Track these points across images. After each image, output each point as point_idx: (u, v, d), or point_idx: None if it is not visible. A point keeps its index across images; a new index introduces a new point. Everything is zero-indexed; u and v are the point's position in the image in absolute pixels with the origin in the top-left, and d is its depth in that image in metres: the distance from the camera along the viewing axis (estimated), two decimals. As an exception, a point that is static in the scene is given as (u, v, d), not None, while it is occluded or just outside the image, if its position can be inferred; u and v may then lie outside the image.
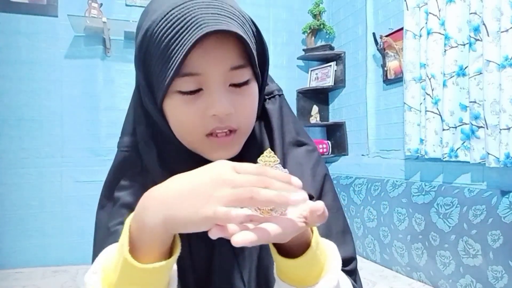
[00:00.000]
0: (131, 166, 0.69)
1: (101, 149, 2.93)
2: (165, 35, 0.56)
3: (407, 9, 2.31)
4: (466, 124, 1.99)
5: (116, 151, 0.72)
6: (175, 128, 0.63)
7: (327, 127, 3.48)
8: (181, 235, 0.51)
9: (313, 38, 3.44)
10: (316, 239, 0.53)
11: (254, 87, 0.64)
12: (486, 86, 1.78)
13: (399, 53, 2.54)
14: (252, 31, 0.62)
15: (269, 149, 0.51)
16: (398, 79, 2.59)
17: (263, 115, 0.73)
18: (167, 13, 0.56)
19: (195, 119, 0.60)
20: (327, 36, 3.47)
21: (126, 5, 3.01)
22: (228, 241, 0.42)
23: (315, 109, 3.41)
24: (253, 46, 0.61)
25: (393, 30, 2.62)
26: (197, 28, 0.54)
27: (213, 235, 0.43)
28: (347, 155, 3.20)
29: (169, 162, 0.67)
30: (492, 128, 1.76)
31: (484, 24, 1.80)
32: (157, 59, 0.58)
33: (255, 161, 0.55)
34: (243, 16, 0.60)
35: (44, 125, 2.81)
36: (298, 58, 3.44)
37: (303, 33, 3.45)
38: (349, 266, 0.67)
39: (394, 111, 2.67)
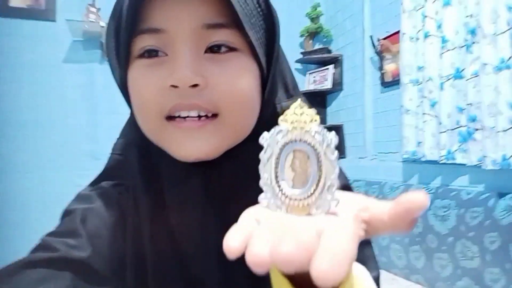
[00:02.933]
0: (116, 172, 0.58)
1: (101, 152, 2.93)
2: None
3: (404, 12, 2.32)
4: (463, 126, 1.99)
5: None
6: (135, 110, 0.48)
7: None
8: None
9: (310, 41, 3.45)
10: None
11: (245, 60, 0.47)
12: (483, 89, 1.79)
13: (397, 56, 2.55)
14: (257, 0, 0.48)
15: (299, 101, 0.30)
16: (395, 82, 2.60)
17: None
18: None
19: (152, 94, 0.45)
20: (324, 39, 3.47)
21: (124, 9, 3.01)
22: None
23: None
24: (243, 6, 0.45)
25: (390, 33, 2.63)
26: None
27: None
28: (345, 158, 3.20)
29: (152, 168, 0.52)
30: (489, 130, 1.76)
31: (480, 26, 1.81)
32: (123, 20, 0.46)
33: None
34: None
35: (43, 129, 2.81)
36: (296, 61, 3.44)
37: (301, 36, 3.45)
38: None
39: (391, 114, 2.68)
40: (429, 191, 2.12)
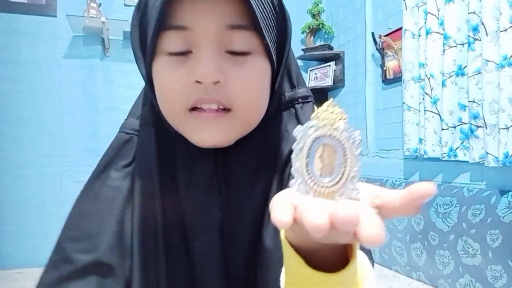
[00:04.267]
0: (124, 152, 0.61)
1: (101, 148, 2.89)
2: None
3: (406, 9, 2.31)
4: (465, 123, 1.99)
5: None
6: (159, 100, 0.53)
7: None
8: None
9: (312, 38, 3.44)
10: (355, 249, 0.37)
11: (260, 62, 0.51)
12: (485, 86, 1.78)
13: (398, 53, 2.54)
14: (273, 2, 0.52)
15: (331, 100, 0.34)
16: (397, 79, 2.59)
17: (295, 116, 0.60)
18: None
19: (177, 87, 0.49)
20: (326, 36, 3.47)
21: (125, 5, 3.01)
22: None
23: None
24: (262, 10, 0.49)
25: (392, 30, 2.62)
26: None
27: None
28: (347, 154, 3.20)
29: (167, 150, 0.57)
30: (491, 128, 1.76)
31: (483, 23, 1.80)
32: (149, 15, 0.50)
33: (271, 156, 0.55)
34: None
35: (43, 125, 2.81)
36: (297, 58, 3.42)
37: (302, 32, 3.45)
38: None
39: (393, 111, 2.67)
40: (431, 188, 2.12)
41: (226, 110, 0.50)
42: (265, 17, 0.49)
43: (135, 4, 0.56)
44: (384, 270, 2.35)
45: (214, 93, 0.48)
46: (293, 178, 0.33)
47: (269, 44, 0.51)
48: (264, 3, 0.50)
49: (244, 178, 0.55)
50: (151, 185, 0.56)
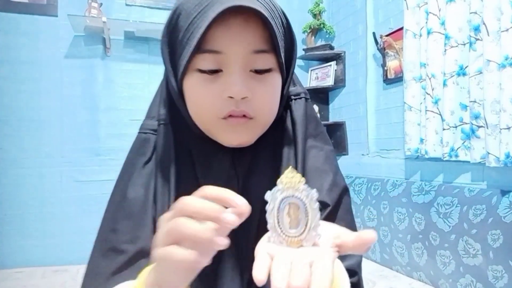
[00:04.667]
0: (144, 149, 0.70)
1: (101, 149, 2.93)
2: (191, 11, 0.57)
3: (407, 9, 2.31)
4: (466, 123, 1.99)
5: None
6: (192, 108, 0.62)
7: (327, 126, 3.48)
8: None
9: (313, 37, 3.44)
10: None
11: (276, 77, 0.63)
12: (486, 86, 1.78)
13: (399, 53, 2.54)
14: (282, 22, 0.61)
15: (290, 167, 0.42)
16: (398, 79, 2.59)
17: (289, 111, 0.71)
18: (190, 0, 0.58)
19: (212, 101, 0.59)
20: (327, 36, 3.46)
21: (126, 4, 3.01)
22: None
23: (315, 108, 3.41)
24: (279, 35, 0.59)
25: (393, 30, 2.62)
26: (219, 4, 0.54)
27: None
28: (347, 154, 3.20)
29: (185, 147, 0.66)
30: (492, 128, 1.76)
31: (484, 23, 1.80)
32: (182, 35, 0.59)
33: (277, 150, 0.67)
34: (272, 4, 0.59)
35: (44, 125, 2.81)
36: (298, 58, 3.43)
37: (303, 32, 3.44)
38: (352, 278, 0.65)
39: (394, 111, 2.67)
40: (432, 188, 2.12)
41: (249, 118, 0.60)
42: (280, 39, 0.60)
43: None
44: (385, 270, 2.35)
45: (242, 106, 0.58)
46: (269, 232, 0.41)
47: (283, 62, 0.62)
48: (279, 27, 0.60)
49: (257, 169, 0.66)
50: (170, 178, 0.65)
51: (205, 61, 0.58)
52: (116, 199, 0.68)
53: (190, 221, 0.40)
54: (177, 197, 0.57)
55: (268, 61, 0.60)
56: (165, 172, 0.66)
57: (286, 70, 0.65)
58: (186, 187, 0.60)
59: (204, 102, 0.60)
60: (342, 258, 0.57)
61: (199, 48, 0.57)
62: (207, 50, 0.57)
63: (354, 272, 0.66)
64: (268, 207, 0.41)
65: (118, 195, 0.68)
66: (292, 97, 0.71)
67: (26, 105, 2.77)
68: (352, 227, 0.69)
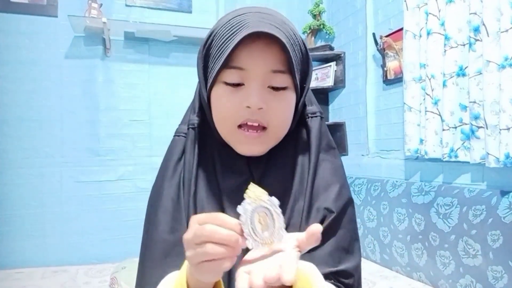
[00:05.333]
0: (176, 150, 0.80)
1: (101, 149, 2.93)
2: (224, 34, 0.68)
3: (407, 9, 2.31)
4: (466, 124, 1.99)
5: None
6: (215, 115, 0.73)
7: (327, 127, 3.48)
8: None
9: (313, 38, 3.44)
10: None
11: (290, 95, 0.72)
12: (486, 86, 1.78)
13: (399, 53, 2.54)
14: (301, 49, 0.72)
15: (251, 184, 0.54)
16: (398, 79, 2.59)
17: (304, 127, 0.80)
18: (230, 19, 0.69)
19: (232, 109, 0.69)
20: (327, 36, 3.47)
21: (126, 5, 3.01)
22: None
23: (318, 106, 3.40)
24: (296, 59, 0.70)
25: (393, 30, 2.62)
26: (246, 29, 0.65)
27: None
28: (347, 155, 3.20)
29: (208, 151, 0.77)
30: (492, 128, 1.76)
31: (484, 24, 1.80)
32: (214, 53, 0.70)
33: (290, 159, 0.77)
34: (293, 33, 0.70)
35: (44, 125, 2.81)
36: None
37: (303, 33, 3.44)
38: (347, 280, 0.73)
39: (394, 111, 2.67)
40: (432, 189, 2.12)
41: (263, 128, 0.70)
42: (296, 63, 0.70)
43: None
44: (384, 271, 2.35)
45: (257, 116, 0.69)
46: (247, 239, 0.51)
47: (298, 83, 0.72)
48: (297, 53, 0.71)
49: (272, 175, 0.75)
50: (191, 177, 0.75)
51: (230, 75, 0.69)
52: (154, 196, 0.80)
53: (220, 228, 0.51)
54: (195, 194, 0.75)
55: (284, 80, 0.70)
56: (189, 171, 0.76)
57: (301, 90, 0.75)
58: (206, 186, 0.76)
59: (226, 110, 0.70)
60: (340, 262, 0.72)
61: (227, 65, 0.68)
62: (233, 66, 0.68)
63: (350, 275, 0.74)
64: (241, 219, 0.51)
65: (156, 192, 0.79)
66: (309, 115, 0.81)
67: (26, 105, 2.77)
68: (353, 235, 0.78)
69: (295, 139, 0.79)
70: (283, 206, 0.69)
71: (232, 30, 0.67)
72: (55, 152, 2.83)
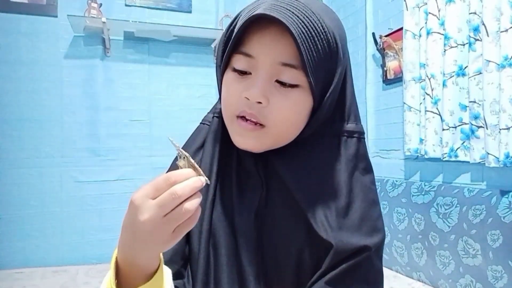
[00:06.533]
0: (198, 137, 0.77)
1: (101, 149, 2.93)
2: (242, 17, 0.63)
3: (407, 9, 2.31)
4: (466, 124, 1.99)
5: None
6: (222, 102, 0.69)
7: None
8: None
9: (312, 38, 3.43)
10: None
11: (302, 96, 0.63)
12: (485, 86, 1.78)
13: (399, 53, 2.54)
14: (325, 45, 0.61)
15: (168, 137, 0.57)
16: (397, 79, 2.59)
17: (336, 149, 0.69)
18: (247, 7, 0.65)
19: (233, 97, 0.64)
20: (326, 36, 3.46)
21: (126, 5, 3.01)
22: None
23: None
24: (311, 54, 0.59)
25: (392, 30, 2.62)
26: (256, 12, 0.59)
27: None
28: (347, 155, 3.19)
29: (222, 138, 0.73)
30: (492, 128, 1.76)
31: (483, 24, 1.80)
32: (231, 39, 0.64)
33: (310, 171, 0.67)
34: (318, 24, 0.60)
35: (44, 125, 2.81)
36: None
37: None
38: (357, 257, 0.64)
39: (393, 111, 2.67)
40: (431, 188, 2.12)
41: (261, 125, 0.63)
42: (313, 59, 0.60)
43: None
44: (384, 271, 2.35)
45: (254, 110, 0.62)
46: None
47: (313, 82, 0.61)
48: (319, 47, 0.60)
49: (277, 176, 0.68)
50: (212, 164, 0.72)
51: (239, 62, 0.64)
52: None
53: (183, 182, 0.50)
54: (219, 184, 0.72)
55: (294, 76, 0.62)
56: (206, 162, 0.72)
57: (323, 94, 0.65)
58: (224, 174, 0.72)
59: (228, 97, 0.66)
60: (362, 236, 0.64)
61: (238, 50, 0.63)
62: (242, 52, 0.63)
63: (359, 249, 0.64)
64: (190, 161, 0.53)
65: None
66: (346, 134, 0.70)
67: (26, 105, 2.77)
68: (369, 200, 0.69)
69: (321, 153, 0.68)
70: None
71: (249, 13, 0.61)
72: (55, 152, 2.83)
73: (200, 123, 0.80)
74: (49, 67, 2.83)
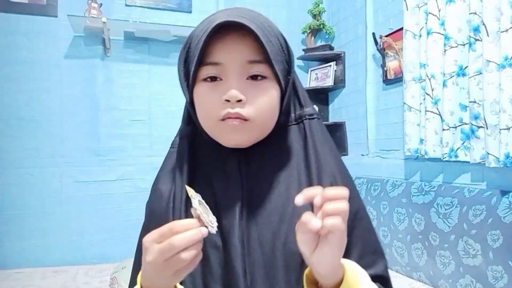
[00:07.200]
0: (169, 161, 0.81)
1: (101, 149, 2.93)
2: (198, 34, 0.69)
3: (407, 9, 2.31)
4: (466, 124, 1.99)
5: None
6: (199, 113, 0.73)
7: (327, 127, 3.43)
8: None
9: (312, 38, 3.44)
10: (348, 272, 0.64)
11: (272, 85, 0.71)
12: (486, 86, 1.78)
13: (399, 53, 2.54)
14: (278, 40, 0.71)
15: (186, 186, 0.66)
16: (398, 79, 2.59)
17: (299, 128, 0.79)
18: (203, 20, 0.71)
19: (213, 105, 0.68)
20: (327, 36, 3.47)
21: (126, 5, 3.01)
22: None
23: (315, 109, 3.40)
24: (272, 48, 0.68)
25: (393, 30, 2.62)
26: (216, 23, 0.64)
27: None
28: (347, 155, 3.20)
29: (199, 154, 0.78)
30: (492, 128, 1.76)
31: (484, 24, 1.80)
32: (191, 53, 0.70)
33: (285, 158, 0.76)
34: (267, 25, 0.70)
35: (44, 125, 2.81)
36: (298, 58, 3.43)
37: (303, 33, 3.44)
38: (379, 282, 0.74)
39: (394, 111, 2.67)
40: (432, 188, 2.12)
41: (246, 120, 0.68)
42: (274, 53, 0.69)
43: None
44: (384, 271, 2.35)
45: (237, 108, 0.67)
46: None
47: (278, 73, 0.70)
48: (273, 43, 0.69)
49: (261, 171, 0.75)
50: (182, 181, 0.75)
51: (207, 72, 0.69)
52: (150, 204, 0.83)
53: (183, 233, 0.55)
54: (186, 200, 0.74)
55: (262, 69, 0.69)
56: (180, 176, 0.76)
57: (286, 84, 0.74)
58: (199, 187, 0.72)
59: (207, 106, 0.70)
60: (367, 266, 0.71)
61: (203, 62, 0.68)
62: (209, 63, 0.68)
63: (384, 278, 0.76)
64: (197, 212, 0.58)
65: (151, 200, 0.83)
66: (307, 116, 0.79)
67: (26, 105, 2.77)
68: (376, 236, 0.82)
69: (291, 141, 0.78)
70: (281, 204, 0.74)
71: (204, 28, 0.68)
72: (55, 152, 2.84)
73: (170, 147, 0.85)
74: (49, 67, 2.83)
